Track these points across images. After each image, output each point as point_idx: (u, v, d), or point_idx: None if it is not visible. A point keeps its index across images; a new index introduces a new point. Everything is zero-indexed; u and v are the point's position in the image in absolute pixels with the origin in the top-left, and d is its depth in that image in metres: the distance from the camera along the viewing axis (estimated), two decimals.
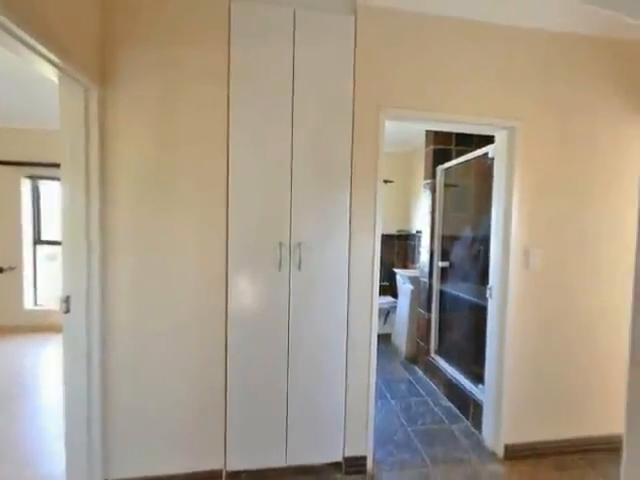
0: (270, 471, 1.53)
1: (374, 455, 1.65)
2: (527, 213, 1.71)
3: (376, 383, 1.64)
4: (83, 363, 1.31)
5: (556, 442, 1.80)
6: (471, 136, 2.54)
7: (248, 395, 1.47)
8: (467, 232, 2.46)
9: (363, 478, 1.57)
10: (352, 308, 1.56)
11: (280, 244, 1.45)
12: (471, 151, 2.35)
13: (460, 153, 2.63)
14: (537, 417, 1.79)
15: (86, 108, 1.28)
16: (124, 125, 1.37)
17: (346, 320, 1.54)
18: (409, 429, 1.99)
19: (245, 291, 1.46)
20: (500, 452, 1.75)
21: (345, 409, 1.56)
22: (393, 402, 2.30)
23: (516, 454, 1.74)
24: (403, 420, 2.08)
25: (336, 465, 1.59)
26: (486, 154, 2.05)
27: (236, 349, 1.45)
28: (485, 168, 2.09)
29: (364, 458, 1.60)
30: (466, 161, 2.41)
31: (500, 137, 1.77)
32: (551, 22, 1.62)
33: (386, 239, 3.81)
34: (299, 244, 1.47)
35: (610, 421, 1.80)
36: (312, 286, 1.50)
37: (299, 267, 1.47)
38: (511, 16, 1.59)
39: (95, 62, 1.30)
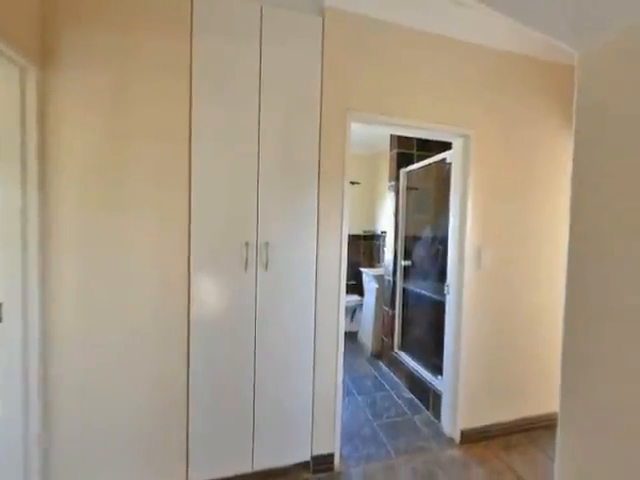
0: (236, 478, 1.48)
1: (341, 452, 1.68)
2: (480, 216, 1.86)
3: (343, 380, 1.67)
4: (18, 379, 1.16)
5: (504, 424, 1.97)
6: (431, 142, 2.69)
7: (212, 401, 1.41)
8: (428, 232, 2.60)
9: (331, 475, 1.59)
10: (320, 307, 1.57)
11: (246, 244, 1.42)
12: (431, 156, 2.50)
13: (421, 158, 2.78)
14: (488, 403, 1.95)
15: (23, 92, 1.13)
16: (69, 113, 1.24)
17: (314, 319, 1.55)
18: (375, 423, 2.05)
19: (209, 293, 1.40)
20: (457, 437, 1.88)
21: (313, 408, 1.57)
22: (360, 398, 2.36)
23: (471, 438, 1.88)
24: (369, 415, 2.14)
25: (304, 465, 1.59)
26: (444, 159, 2.19)
27: (199, 354, 1.39)
28: (443, 173, 2.23)
29: (332, 455, 1.62)
30: (427, 165, 2.55)
31: (456, 144, 1.90)
32: (497, 41, 1.78)
33: (353, 239, 3.90)
34: (266, 244, 1.44)
35: (548, 401, 2.02)
36: (279, 286, 1.48)
37: (266, 267, 1.45)
38: (464, 32, 1.71)
39: (34, 41, 1.16)
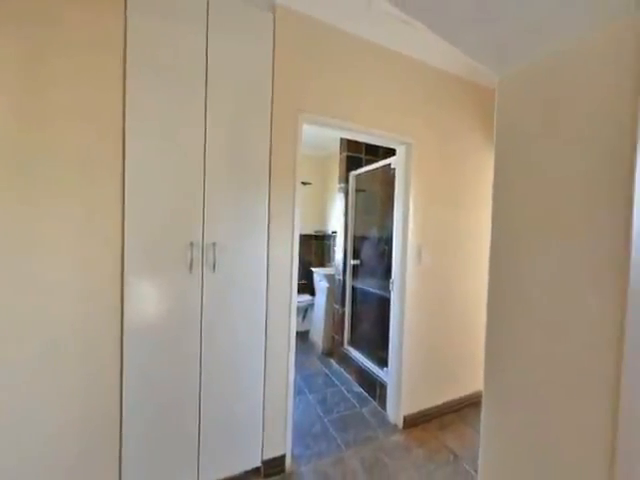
0: None
1: (293, 452, 1.67)
2: (420, 217, 2.03)
3: (295, 380, 1.67)
4: None
5: (439, 406, 2.19)
6: (378, 147, 2.85)
7: (151, 417, 1.29)
8: (375, 233, 2.75)
9: (282, 477, 1.58)
10: (271, 308, 1.55)
11: (191, 244, 1.33)
12: (378, 161, 2.64)
13: (369, 162, 2.92)
14: (427, 388, 2.14)
15: None
16: None
17: (265, 321, 1.52)
18: (325, 419, 2.09)
19: (148, 297, 1.27)
20: (400, 424, 2.02)
21: (263, 412, 1.54)
22: (311, 396, 2.39)
23: (412, 422, 2.04)
24: (320, 412, 2.18)
25: (255, 470, 1.54)
26: (389, 164, 2.34)
27: (135, 366, 1.25)
28: (389, 177, 2.38)
29: (283, 457, 1.61)
30: (374, 169, 2.69)
31: (400, 151, 2.04)
32: (436, 60, 1.97)
33: (304, 239, 3.92)
34: (213, 244, 1.37)
35: (475, 381, 2.30)
36: (228, 288, 1.42)
37: (213, 268, 1.37)
38: (409, 48, 1.85)
39: None
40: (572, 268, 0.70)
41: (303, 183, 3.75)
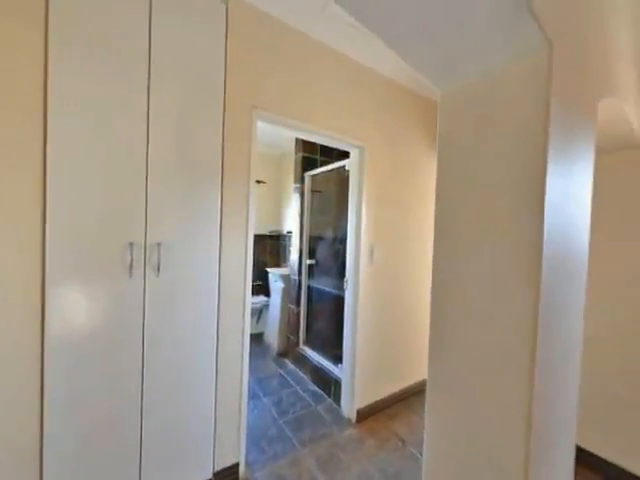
0: None
1: (247, 459, 1.63)
2: (372, 218, 2.12)
3: (249, 384, 1.62)
4: None
5: (389, 396, 2.32)
6: (333, 149, 2.91)
7: (81, 443, 1.13)
8: (330, 233, 2.80)
9: None
10: (223, 311, 1.48)
11: (131, 244, 1.20)
12: (332, 162, 2.70)
13: (324, 163, 2.97)
14: (378, 380, 2.26)
15: None
16: None
17: (216, 325, 1.45)
18: (281, 421, 2.07)
19: (77, 307, 1.11)
20: (354, 417, 2.09)
21: (215, 420, 1.46)
22: (266, 399, 2.34)
23: (365, 415, 2.13)
24: (275, 414, 2.15)
25: None
26: (344, 166, 2.41)
27: (60, 387, 1.09)
28: (343, 178, 2.45)
29: (236, 465, 1.55)
30: (329, 171, 2.74)
31: (353, 154, 2.12)
32: (387, 69, 2.08)
33: (259, 239, 3.83)
34: (158, 244, 1.26)
35: (421, 371, 2.49)
36: (175, 292, 1.32)
37: (158, 271, 1.26)
38: (362, 55, 1.93)
39: None
40: (500, 264, 0.80)
41: (258, 182, 3.66)
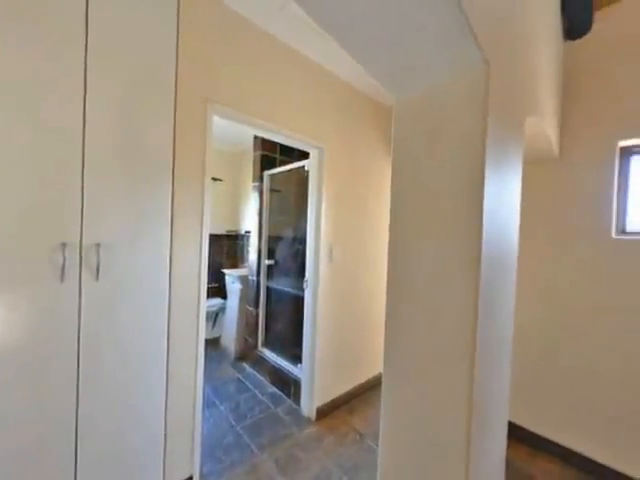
0: None
1: (202, 470, 1.54)
2: (331, 218, 2.16)
3: (204, 392, 1.54)
4: None
5: (348, 392, 2.39)
6: (292, 149, 2.90)
7: (6, 464, 0.97)
8: (289, 233, 2.79)
9: None
10: (175, 317, 1.38)
11: (63, 245, 1.06)
12: (292, 162, 2.69)
13: (283, 162, 2.95)
14: (337, 377, 2.31)
15: None
16: None
17: (166, 332, 1.35)
18: (238, 427, 2.01)
19: None
20: (313, 416, 2.11)
21: (165, 434, 1.36)
22: (222, 406, 2.25)
23: (324, 413, 2.16)
24: (232, 421, 2.08)
25: None
26: (303, 167, 2.41)
27: None
28: (303, 178, 2.45)
29: (190, 479, 1.47)
30: (288, 170, 2.73)
31: (313, 154, 2.13)
32: (344, 73, 2.13)
33: (215, 239, 3.66)
34: (97, 245, 1.13)
35: (377, 365, 2.60)
36: (117, 297, 1.19)
37: (97, 276, 1.13)
38: (321, 56, 1.95)
39: None
40: (446, 263, 0.87)
41: (214, 179, 3.49)
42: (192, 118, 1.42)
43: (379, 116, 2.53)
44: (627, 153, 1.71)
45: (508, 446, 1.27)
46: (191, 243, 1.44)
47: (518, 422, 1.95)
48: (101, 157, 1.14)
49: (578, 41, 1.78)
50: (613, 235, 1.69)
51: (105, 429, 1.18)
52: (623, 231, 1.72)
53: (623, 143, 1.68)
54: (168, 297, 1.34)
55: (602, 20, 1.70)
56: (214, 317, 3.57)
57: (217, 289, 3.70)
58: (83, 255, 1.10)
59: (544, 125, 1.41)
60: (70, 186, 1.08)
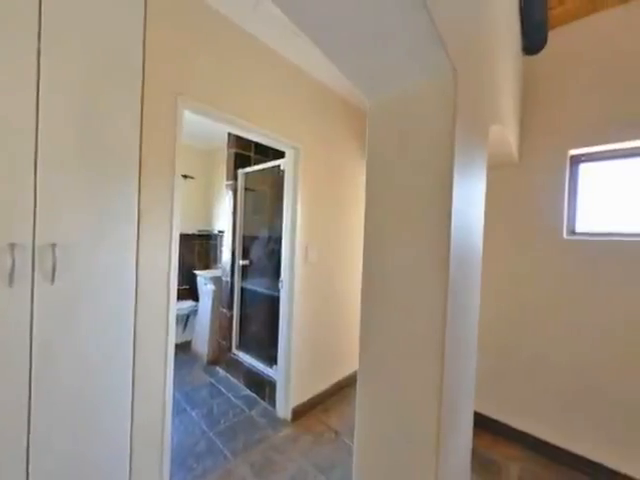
0: None
1: None
2: (307, 218, 2.16)
3: (174, 399, 1.47)
4: None
5: (324, 391, 2.40)
6: (267, 147, 2.86)
7: None
8: (264, 232, 2.75)
9: None
10: (141, 322, 1.31)
11: (12, 246, 0.96)
12: (267, 161, 2.65)
13: (258, 161, 2.90)
14: (314, 376, 2.31)
15: None
16: None
17: (132, 338, 1.27)
18: (211, 433, 1.94)
19: None
20: (289, 417, 2.10)
21: (131, 446, 1.28)
22: (194, 413, 2.16)
23: (300, 413, 2.16)
24: (205, 427, 2.00)
25: None
26: (279, 166, 2.39)
27: None
28: (278, 178, 2.43)
29: None
30: (264, 169, 2.69)
31: (289, 154, 2.12)
32: (320, 74, 2.14)
33: (186, 239, 3.52)
34: (52, 245, 1.04)
35: (353, 362, 2.64)
36: (76, 301, 1.11)
37: (52, 278, 1.04)
38: (297, 57, 1.94)
39: None
40: (417, 261, 0.90)
41: (185, 177, 3.35)
42: (161, 112, 1.35)
43: (354, 118, 2.58)
44: (576, 161, 1.89)
45: (473, 434, 1.34)
46: (160, 243, 1.37)
47: (482, 411, 2.08)
48: (58, 150, 1.05)
49: (535, 56, 1.93)
50: (564, 236, 1.85)
51: (61, 446, 1.09)
52: (573, 232, 1.89)
53: (573, 152, 1.85)
54: (134, 300, 1.27)
55: (556, 39, 1.86)
56: (185, 320, 3.43)
57: (188, 291, 3.55)
58: (36, 256, 1.01)
59: (506, 133, 1.51)
60: (20, 181, 0.98)
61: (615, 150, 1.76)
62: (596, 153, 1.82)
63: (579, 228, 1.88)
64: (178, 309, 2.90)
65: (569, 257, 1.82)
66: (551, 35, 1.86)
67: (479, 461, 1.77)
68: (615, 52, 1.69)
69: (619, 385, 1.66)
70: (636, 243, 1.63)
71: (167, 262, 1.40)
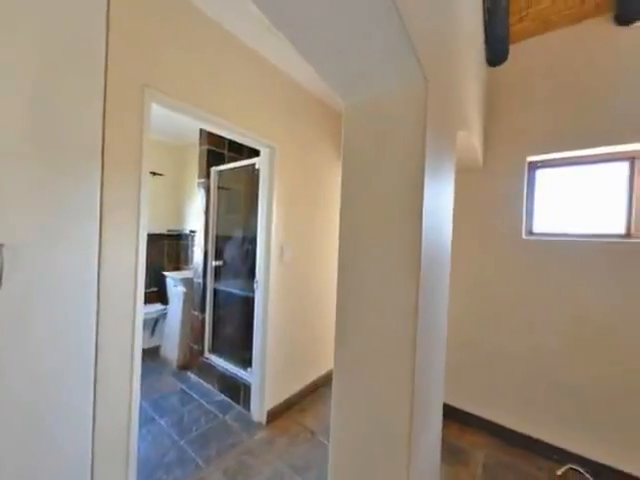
0: None
1: None
2: (282, 217, 2.14)
3: (141, 408, 1.40)
4: None
5: (300, 391, 2.39)
6: (242, 145, 2.80)
7: None
8: (238, 232, 2.68)
9: None
10: (105, 327, 1.22)
11: None
12: (242, 159, 2.59)
13: (232, 159, 2.83)
14: (289, 378, 2.30)
15: None
16: None
17: (94, 345, 1.18)
18: (182, 442, 1.86)
19: None
20: (264, 420, 2.06)
21: (92, 462, 1.19)
22: (163, 422, 2.06)
23: (277, 414, 2.13)
24: (175, 436, 1.92)
25: None
26: (254, 164, 2.35)
27: None
28: (253, 177, 2.38)
29: None
30: (238, 167, 2.62)
31: (264, 153, 2.09)
32: (296, 74, 2.13)
33: (155, 239, 3.35)
34: None
35: (328, 362, 2.66)
36: (27, 308, 1.01)
37: None
38: (274, 56, 1.92)
39: None
40: (390, 260, 0.93)
41: (153, 173, 3.18)
42: (127, 103, 1.27)
43: (330, 120, 2.59)
44: (533, 167, 2.04)
45: (442, 425, 1.41)
46: (125, 243, 1.29)
47: (450, 402, 2.18)
48: (6, 141, 0.95)
49: (498, 68, 2.06)
50: (523, 236, 2.00)
51: (13, 465, 0.99)
52: (531, 232, 2.04)
53: (530, 158, 2.00)
54: (96, 304, 1.18)
55: (516, 53, 2.00)
56: (153, 324, 3.26)
57: (157, 294, 3.38)
58: None
59: (472, 139, 1.60)
60: None
61: (567, 158, 1.93)
62: (550, 160, 1.98)
63: (536, 229, 2.04)
64: (146, 313, 2.75)
65: (527, 256, 1.96)
66: (512, 49, 2.00)
67: (448, 450, 1.85)
68: (566, 69, 1.86)
69: (567, 372, 1.82)
70: (585, 243, 1.79)
71: (133, 263, 1.32)
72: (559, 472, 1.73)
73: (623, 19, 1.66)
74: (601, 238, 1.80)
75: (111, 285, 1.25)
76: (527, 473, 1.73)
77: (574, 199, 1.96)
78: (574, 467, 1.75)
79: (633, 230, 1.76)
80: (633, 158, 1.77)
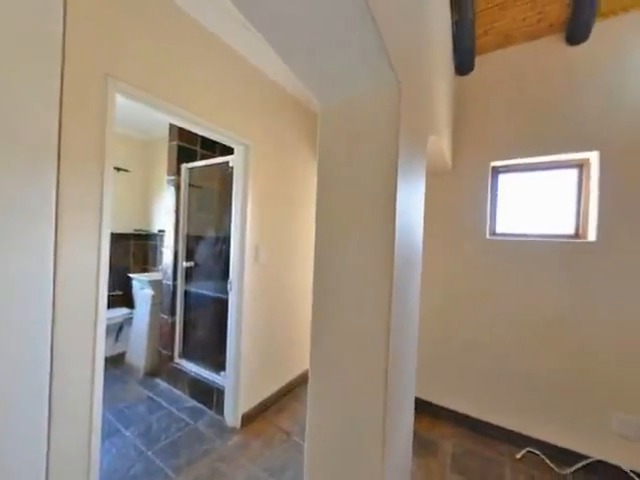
0: None
1: None
2: (257, 217, 2.11)
3: (104, 420, 1.31)
4: None
5: (276, 392, 2.37)
6: (215, 142, 2.72)
7: None
8: (211, 232, 2.60)
9: None
10: (61, 335, 1.13)
11: None
12: (215, 156, 2.51)
13: (205, 156, 2.74)
14: (264, 379, 2.26)
15: None
16: None
17: (49, 355, 1.09)
18: (149, 453, 1.77)
19: None
20: (238, 424, 2.02)
21: None
22: (128, 432, 1.94)
23: (252, 417, 2.09)
24: (142, 446, 1.82)
25: None
26: (227, 162, 2.28)
27: None
28: (227, 175, 2.32)
29: None
30: (211, 165, 2.54)
31: (238, 151, 2.04)
32: (272, 73, 2.11)
33: (120, 239, 3.15)
34: None
35: (304, 362, 2.65)
36: None
37: None
38: (249, 52, 1.88)
39: None
40: (364, 260, 0.94)
41: (117, 169, 2.99)
42: (87, 94, 1.18)
43: (306, 119, 2.59)
44: (496, 171, 2.18)
45: (414, 418, 1.46)
46: (86, 244, 1.20)
47: (421, 396, 2.27)
48: None
49: (465, 77, 2.18)
50: (487, 236, 2.13)
51: None
52: (494, 233, 2.18)
53: (493, 163, 2.13)
54: (52, 311, 1.09)
55: (482, 64, 2.12)
56: (117, 330, 3.06)
57: (122, 297, 3.18)
58: None
59: (441, 143, 1.68)
60: None
61: (525, 164, 2.09)
62: (511, 165, 2.13)
63: (499, 229, 2.18)
64: (109, 318, 2.58)
65: (491, 255, 2.09)
66: (478, 60, 2.12)
67: (419, 443, 1.92)
68: (524, 81, 2.00)
69: (524, 363, 1.97)
70: (541, 243, 1.94)
71: (95, 265, 1.23)
72: (518, 455, 1.86)
73: (573, 39, 1.82)
74: (554, 238, 1.96)
75: (69, 289, 1.15)
76: (490, 459, 1.84)
77: (532, 202, 2.12)
78: (532, 450, 1.89)
79: (581, 231, 1.94)
80: (582, 165, 1.95)
